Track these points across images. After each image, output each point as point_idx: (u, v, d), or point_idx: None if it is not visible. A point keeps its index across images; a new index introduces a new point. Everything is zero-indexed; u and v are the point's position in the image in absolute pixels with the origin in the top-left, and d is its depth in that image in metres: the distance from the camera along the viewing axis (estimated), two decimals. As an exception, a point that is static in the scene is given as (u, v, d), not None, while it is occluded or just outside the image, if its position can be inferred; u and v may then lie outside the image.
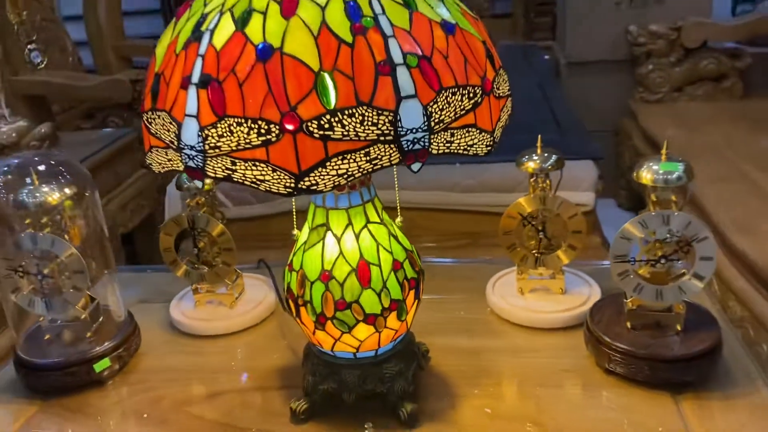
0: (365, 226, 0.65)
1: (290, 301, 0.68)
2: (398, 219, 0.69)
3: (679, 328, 0.73)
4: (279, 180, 0.50)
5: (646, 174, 0.68)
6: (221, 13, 0.52)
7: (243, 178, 0.51)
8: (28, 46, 1.72)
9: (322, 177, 0.50)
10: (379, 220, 0.66)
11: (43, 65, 2.04)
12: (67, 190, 0.75)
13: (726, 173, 1.63)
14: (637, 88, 2.32)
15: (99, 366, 0.78)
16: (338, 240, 0.64)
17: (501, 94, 0.58)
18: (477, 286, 0.93)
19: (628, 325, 0.74)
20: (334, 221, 0.65)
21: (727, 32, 2.24)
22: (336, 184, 0.51)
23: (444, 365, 0.78)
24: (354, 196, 0.64)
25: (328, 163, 0.50)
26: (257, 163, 0.50)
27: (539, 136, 0.83)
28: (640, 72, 2.28)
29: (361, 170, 0.50)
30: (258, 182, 0.51)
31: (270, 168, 0.50)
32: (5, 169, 0.77)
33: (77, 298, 0.78)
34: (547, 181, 0.83)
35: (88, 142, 1.82)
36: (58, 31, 2.51)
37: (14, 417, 0.76)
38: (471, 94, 0.53)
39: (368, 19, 0.50)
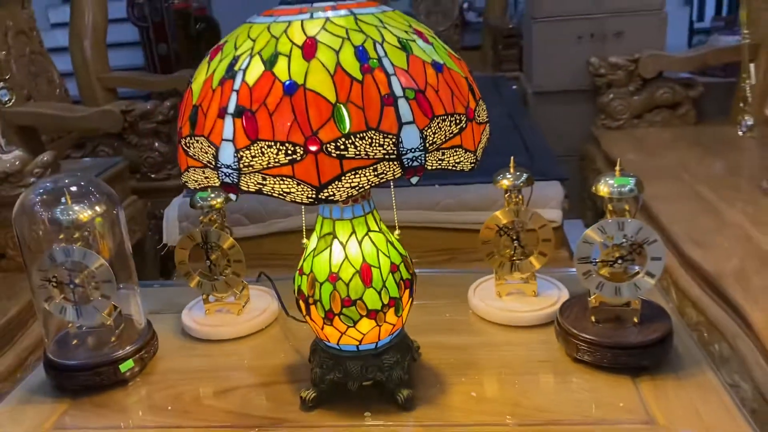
0: (366, 234, 0.75)
1: (301, 301, 0.78)
2: (396, 232, 0.79)
3: (636, 320, 0.85)
4: (302, 192, 0.61)
5: (603, 187, 0.81)
6: (251, 56, 0.63)
7: (272, 190, 0.62)
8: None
9: (338, 189, 0.61)
10: (378, 229, 0.77)
11: (10, 103, 2.12)
12: (97, 209, 0.85)
13: (681, 192, 1.77)
14: (599, 116, 2.47)
15: (124, 367, 0.87)
16: (344, 246, 0.75)
17: (481, 121, 0.70)
18: (459, 291, 1.04)
19: (593, 319, 0.86)
20: (339, 230, 0.75)
21: (680, 63, 2.42)
22: (349, 194, 0.61)
23: (433, 359, 0.88)
24: (357, 208, 0.75)
25: (343, 177, 0.60)
26: (284, 178, 0.61)
27: (512, 157, 0.95)
28: (601, 101, 2.44)
29: (369, 183, 0.61)
30: (284, 194, 0.62)
31: (295, 182, 0.61)
32: (41, 190, 0.86)
33: (105, 305, 0.87)
34: (520, 197, 0.94)
35: (82, 170, 1.89)
36: (46, 64, 2.59)
37: (48, 413, 0.84)
38: (457, 121, 0.65)
39: (374, 60, 0.61)
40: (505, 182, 0.93)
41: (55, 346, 0.90)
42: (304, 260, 0.78)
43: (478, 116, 0.69)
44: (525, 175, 0.94)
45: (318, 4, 0.65)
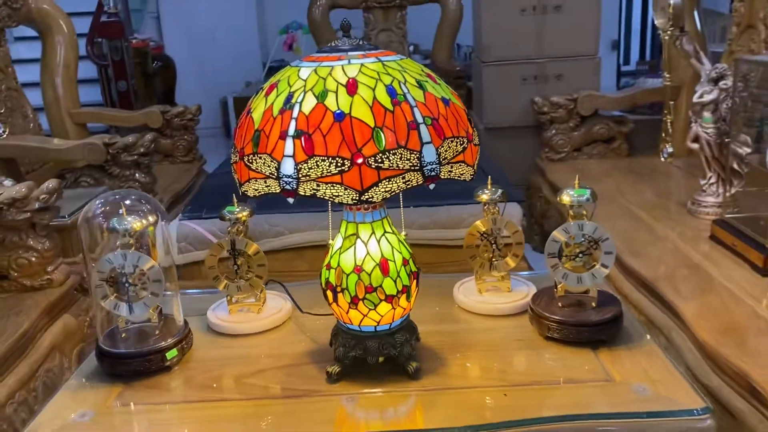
0: (383, 234, 0.94)
1: (328, 291, 0.95)
2: (403, 234, 0.98)
3: (594, 304, 1.05)
4: (348, 195, 0.79)
5: (566, 197, 1.02)
6: (305, 92, 0.81)
7: (324, 194, 0.80)
8: None
9: (375, 192, 0.79)
10: (391, 231, 0.95)
11: (5, 135, 2.22)
12: (150, 218, 1.00)
13: (619, 213, 2.03)
14: (543, 149, 2.73)
15: (170, 354, 1.02)
16: (365, 244, 0.93)
17: (476, 143, 0.90)
18: (445, 291, 1.23)
19: (560, 304, 1.06)
20: (361, 231, 0.93)
21: (613, 102, 2.72)
22: (384, 197, 0.80)
23: (431, 341, 1.06)
24: (375, 214, 0.93)
25: (380, 184, 0.79)
26: (334, 185, 0.79)
27: (489, 177, 1.16)
28: (545, 136, 2.70)
29: (399, 188, 0.80)
30: (334, 197, 0.80)
31: (343, 187, 0.79)
32: (101, 202, 1.01)
33: (154, 302, 1.02)
34: (496, 208, 1.15)
35: (71, 198, 1.99)
36: (21, 99, 2.68)
37: (106, 394, 0.97)
38: (461, 142, 0.85)
39: (401, 96, 0.81)
40: (484, 196, 1.14)
41: (105, 340, 1.03)
42: (330, 257, 0.95)
43: (474, 140, 0.89)
44: (500, 191, 1.14)
45: (352, 53, 0.84)
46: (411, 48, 5.64)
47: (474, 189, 1.15)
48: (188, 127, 2.98)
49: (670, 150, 1.95)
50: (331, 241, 0.97)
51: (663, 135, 2.02)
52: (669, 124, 1.99)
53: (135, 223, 0.99)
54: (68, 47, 2.85)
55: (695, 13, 2.56)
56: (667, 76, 2.01)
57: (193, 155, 3.01)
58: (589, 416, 0.87)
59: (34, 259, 1.64)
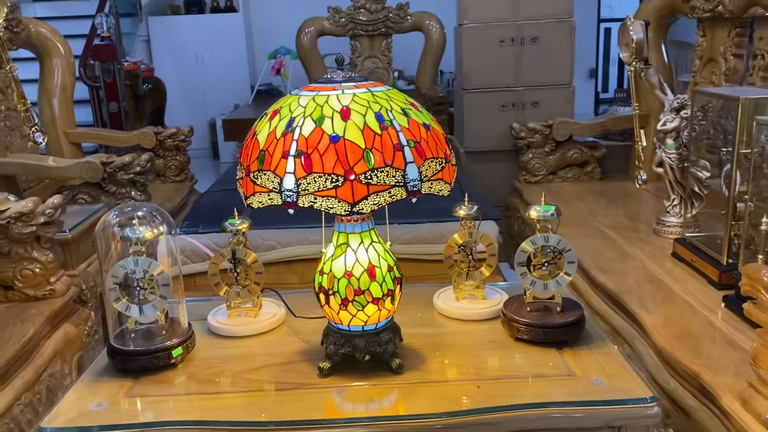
0: (371, 243, 1.05)
1: (321, 294, 1.06)
2: (388, 244, 1.10)
3: (558, 309, 1.17)
4: (341, 207, 0.91)
5: (533, 212, 1.14)
6: (304, 118, 0.93)
7: (320, 206, 0.91)
8: (33, 128, 2.00)
9: (365, 205, 0.91)
10: (378, 241, 1.07)
11: (44, 143, 2.31)
12: (161, 228, 1.11)
13: (591, 233, 2.16)
14: (521, 172, 2.87)
15: (176, 352, 1.12)
16: (355, 252, 1.04)
17: (453, 163, 1.02)
18: (426, 299, 1.34)
19: (528, 309, 1.18)
20: (351, 241, 1.05)
21: (586, 129, 2.87)
22: (372, 209, 0.92)
23: (412, 342, 1.17)
24: (364, 225, 1.05)
25: (369, 197, 0.91)
26: (329, 198, 0.91)
27: (466, 194, 1.28)
28: (522, 159, 2.84)
29: (385, 201, 0.92)
30: (329, 208, 0.91)
31: (337, 201, 0.91)
32: (116, 213, 1.12)
33: (162, 304, 1.12)
34: (472, 223, 1.27)
35: (70, 214, 2.09)
36: (20, 119, 2.77)
37: (118, 387, 1.07)
38: (440, 162, 0.97)
39: (388, 121, 0.93)
40: (462, 212, 1.26)
41: (116, 339, 1.13)
42: (323, 264, 1.07)
43: (451, 160, 1.01)
44: (476, 207, 1.27)
45: (345, 84, 0.97)
46: (396, 74, 5.82)
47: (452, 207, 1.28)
48: (180, 147, 3.08)
49: (644, 177, 2.10)
50: (323, 250, 1.08)
51: (636, 162, 2.16)
52: (641, 150, 2.14)
53: (146, 232, 1.10)
54: (65, 70, 2.97)
55: (662, 46, 2.73)
56: (636, 105, 2.16)
57: (185, 175, 3.11)
58: (553, 404, 0.99)
59: (38, 270, 1.73)
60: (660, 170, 2.09)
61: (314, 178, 0.90)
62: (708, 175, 1.89)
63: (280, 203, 0.93)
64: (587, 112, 6.99)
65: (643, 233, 2.14)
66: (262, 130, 0.96)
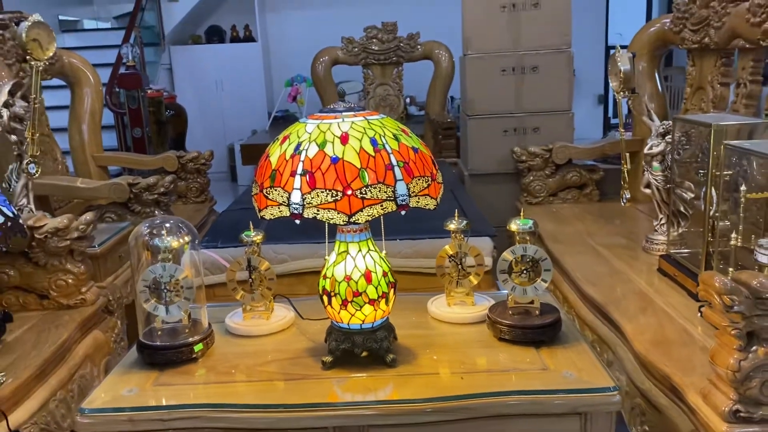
0: (368, 251, 1.20)
1: (324, 296, 1.21)
2: (384, 252, 1.25)
3: (537, 312, 1.31)
4: (340, 217, 1.06)
5: (513, 225, 1.29)
6: (309, 142, 1.09)
7: (322, 217, 1.07)
8: (29, 159, 2.13)
9: (360, 216, 1.06)
10: (374, 249, 1.22)
11: (37, 175, 2.50)
12: (187, 238, 1.27)
13: (584, 250, 2.29)
14: (522, 194, 3.01)
15: (197, 347, 1.27)
16: (354, 259, 1.19)
17: (439, 181, 1.17)
18: (421, 306, 1.48)
19: (510, 312, 1.32)
20: (351, 248, 1.20)
21: (585, 153, 3.01)
22: (367, 219, 1.07)
23: (406, 341, 1.32)
24: (362, 235, 1.20)
25: (363, 210, 1.06)
26: (330, 210, 1.06)
27: (456, 210, 1.43)
28: (524, 182, 2.98)
29: (378, 213, 1.07)
30: (329, 219, 1.07)
31: (336, 212, 1.06)
32: (147, 225, 1.28)
33: (186, 305, 1.28)
34: (461, 236, 1.42)
35: (98, 232, 2.26)
36: (52, 144, 2.98)
37: (146, 378, 1.22)
38: (427, 180, 1.12)
39: (380, 145, 1.09)
40: (452, 225, 1.41)
41: (145, 336, 1.29)
42: (326, 269, 1.22)
43: (438, 179, 1.17)
44: (464, 221, 1.42)
45: (346, 113, 1.13)
46: (407, 100, 6.01)
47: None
48: (201, 170, 3.27)
49: (628, 195, 2.24)
50: (326, 257, 1.23)
51: (622, 183, 2.31)
52: (626, 173, 2.29)
53: (173, 241, 1.26)
54: (94, 97, 3.17)
55: (656, 75, 2.88)
56: (622, 131, 2.30)
57: (205, 196, 3.29)
58: (526, 392, 1.12)
59: (70, 281, 1.90)
60: (648, 191, 2.22)
61: (317, 193, 1.06)
62: (692, 195, 2.02)
63: (288, 215, 1.09)
64: (596, 137, 7.13)
65: (632, 250, 2.27)
66: (274, 153, 1.12)
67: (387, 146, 1.09)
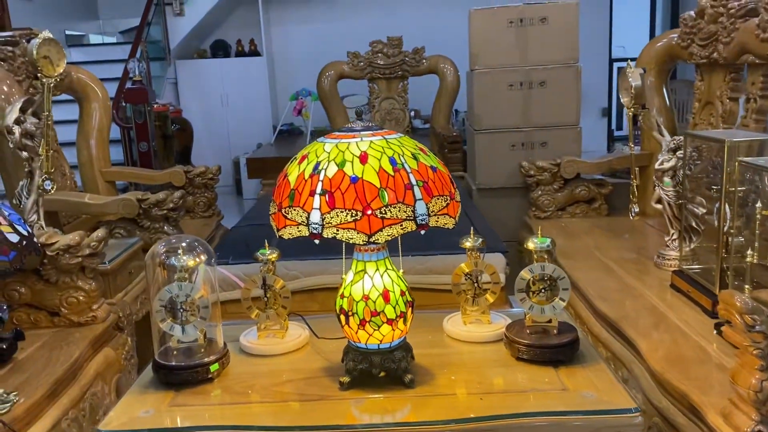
0: (386, 270, 1.20)
1: (341, 315, 1.20)
2: (401, 271, 1.24)
3: (555, 331, 1.30)
4: (360, 237, 1.06)
5: (530, 244, 1.28)
6: (328, 162, 1.09)
7: (342, 237, 1.06)
8: (45, 176, 2.15)
9: (380, 236, 1.06)
10: (392, 268, 1.21)
11: (53, 191, 2.50)
12: (203, 257, 1.27)
13: (594, 265, 2.28)
14: (531, 208, 3.01)
15: (213, 367, 1.26)
16: (371, 278, 1.19)
17: (458, 200, 1.17)
18: (436, 324, 1.48)
19: (528, 331, 1.31)
20: (368, 268, 1.19)
21: (592, 167, 3.01)
22: (386, 240, 1.06)
23: (423, 361, 1.31)
24: (379, 254, 1.20)
25: (383, 230, 1.06)
26: (350, 230, 1.06)
27: (471, 227, 1.43)
28: (532, 196, 2.98)
29: (397, 233, 1.07)
30: (349, 239, 1.06)
31: (356, 232, 1.06)
32: (164, 245, 1.28)
33: (202, 324, 1.27)
34: (477, 253, 1.41)
35: (108, 248, 2.25)
36: (60, 159, 2.98)
37: (163, 397, 1.22)
38: (445, 199, 1.12)
39: (400, 164, 1.08)
40: (468, 243, 1.40)
41: (161, 356, 1.28)
42: (344, 288, 1.21)
43: (456, 197, 1.16)
44: (480, 239, 1.41)
45: (364, 133, 1.13)
46: (412, 113, 6.03)
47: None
48: (209, 185, 3.27)
49: (636, 209, 2.24)
50: (343, 276, 1.23)
51: (631, 197, 2.31)
52: (635, 187, 2.28)
53: (189, 261, 1.26)
54: (102, 112, 3.18)
55: (664, 89, 2.89)
56: (632, 146, 2.31)
57: (212, 211, 3.29)
58: (546, 413, 1.11)
59: (82, 298, 1.89)
60: (659, 206, 2.22)
61: (337, 213, 1.06)
62: (704, 211, 2.02)
63: (307, 234, 1.08)
64: (600, 150, 7.14)
65: (643, 266, 2.26)
66: (293, 172, 1.12)
67: (406, 165, 1.09)
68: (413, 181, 1.08)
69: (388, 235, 1.06)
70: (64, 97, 3.20)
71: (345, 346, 1.26)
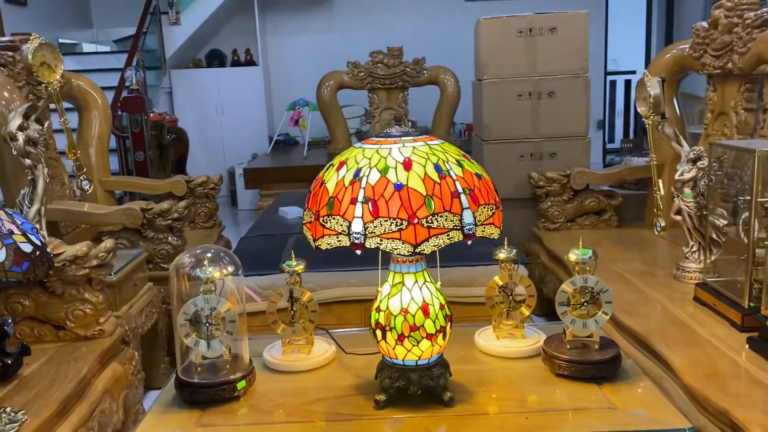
0: (424, 282, 1.14)
1: (378, 330, 1.14)
2: (438, 284, 1.18)
3: (596, 347, 1.25)
4: (405, 248, 1.00)
5: (572, 255, 1.23)
6: (370, 168, 1.03)
7: (386, 247, 1.00)
8: (81, 176, 2.11)
9: (426, 246, 1.00)
10: (430, 280, 1.16)
11: (90, 190, 2.43)
12: (230, 268, 1.20)
13: (611, 278, 2.24)
14: (540, 219, 2.97)
15: (240, 385, 1.20)
16: (410, 291, 1.13)
17: (501, 209, 1.12)
18: (466, 338, 1.42)
19: (568, 346, 1.26)
20: (407, 280, 1.14)
21: (602, 178, 2.98)
22: (432, 250, 1.01)
23: (459, 378, 1.25)
24: (418, 265, 1.14)
25: (429, 240, 1.00)
26: (394, 240, 1.00)
27: (506, 238, 1.37)
28: (541, 207, 2.94)
29: (444, 243, 1.01)
30: (393, 249, 1.00)
31: (401, 242, 1.00)
32: (188, 255, 1.21)
33: (228, 340, 1.20)
34: (512, 265, 1.36)
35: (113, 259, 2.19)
36: (59, 168, 2.90)
37: (188, 417, 1.15)
38: (491, 208, 1.07)
39: (445, 171, 1.03)
40: (502, 255, 1.35)
41: (184, 372, 1.21)
42: (379, 302, 1.15)
43: (500, 206, 1.11)
44: (515, 250, 1.36)
45: (405, 138, 1.07)
46: (410, 124, 6.00)
47: (485, 252, 1.37)
48: (210, 195, 3.20)
49: (663, 224, 2.20)
50: (379, 289, 1.17)
51: (655, 210, 2.26)
52: (659, 199, 2.24)
53: (215, 272, 1.19)
54: (102, 121, 3.11)
55: (674, 100, 2.86)
56: (654, 156, 2.27)
57: (213, 221, 3.22)
58: (597, 434, 1.06)
59: (88, 311, 1.82)
60: (678, 218, 2.18)
61: (380, 222, 1.00)
62: (726, 222, 1.98)
63: (348, 245, 1.03)
64: (596, 162, 7.14)
65: (661, 278, 2.22)
66: (330, 179, 1.07)
67: (452, 172, 1.04)
68: (459, 189, 1.03)
69: (434, 246, 1.01)
70: (62, 104, 3.13)
71: (379, 363, 1.20)
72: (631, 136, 8.28)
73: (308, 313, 1.33)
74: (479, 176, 1.08)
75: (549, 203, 2.93)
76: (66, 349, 1.78)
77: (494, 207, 1.08)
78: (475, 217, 1.03)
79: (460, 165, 1.06)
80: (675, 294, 2.03)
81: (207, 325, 1.19)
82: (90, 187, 2.08)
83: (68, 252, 1.79)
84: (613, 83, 8.17)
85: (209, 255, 1.21)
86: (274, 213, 2.86)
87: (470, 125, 6.43)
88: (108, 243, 1.86)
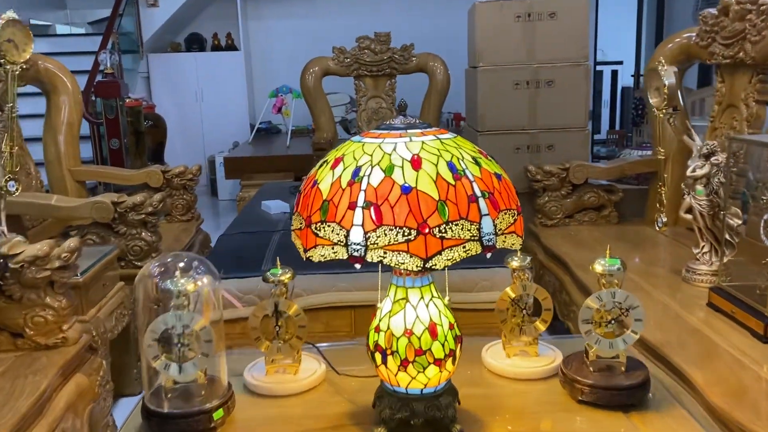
0: (431, 299, 0.99)
1: (377, 353, 0.99)
2: (447, 298, 1.03)
3: (623, 369, 1.11)
4: (413, 262, 0.84)
5: (598, 266, 1.09)
6: (371, 167, 0.87)
7: (390, 261, 0.85)
8: (8, 176, 1.89)
9: (438, 260, 0.85)
10: (438, 296, 1.00)
11: (17, 194, 2.24)
12: (205, 280, 1.04)
13: (617, 280, 2.10)
14: (537, 215, 2.83)
15: (216, 415, 1.03)
16: (415, 308, 0.97)
17: (521, 214, 0.96)
18: (473, 354, 1.26)
19: (591, 369, 1.11)
20: (411, 295, 0.98)
21: (603, 172, 2.84)
22: (446, 265, 0.85)
23: (467, 404, 1.10)
24: (424, 279, 0.98)
25: (443, 252, 0.85)
26: (400, 253, 0.84)
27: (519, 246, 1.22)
28: (538, 202, 2.80)
29: (459, 257, 0.86)
30: (399, 264, 0.85)
31: (408, 255, 0.84)
32: (157, 265, 1.04)
33: (204, 363, 1.04)
34: (526, 275, 1.21)
35: (80, 257, 2.00)
36: (25, 157, 2.70)
37: (155, 455, 0.98)
38: (513, 214, 0.91)
39: (460, 171, 0.87)
40: (515, 263, 1.20)
41: (151, 398, 1.05)
42: (380, 320, 0.99)
43: (521, 212, 0.96)
44: (528, 258, 1.21)
45: (412, 131, 0.91)
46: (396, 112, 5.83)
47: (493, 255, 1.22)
48: (187, 186, 3.02)
49: (665, 219, 2.07)
50: (379, 305, 1.01)
51: (658, 205, 2.13)
52: (663, 195, 2.10)
53: (188, 285, 1.03)
54: (72, 107, 2.91)
55: (678, 91, 2.72)
56: (661, 150, 2.13)
57: (192, 214, 3.04)
58: (632, 477, 0.91)
59: (50, 317, 1.64)
60: (688, 217, 2.04)
61: (385, 231, 0.84)
62: (740, 222, 1.85)
63: (345, 257, 0.87)
64: (583, 156, 7.02)
65: (669, 280, 2.09)
66: (324, 179, 0.90)
67: (468, 172, 0.88)
68: (477, 192, 0.87)
69: (447, 260, 0.85)
70: (29, 89, 2.92)
71: (378, 389, 1.04)
72: (617, 127, 8.19)
73: (296, 328, 1.17)
74: (499, 177, 0.92)
75: (546, 198, 2.79)
76: (24, 359, 1.60)
77: (516, 213, 0.92)
78: (495, 226, 0.88)
79: (477, 163, 0.90)
80: (686, 299, 1.90)
81: (179, 345, 1.02)
82: (16, 189, 1.88)
83: (27, 252, 1.61)
84: (599, 74, 8.05)
85: (181, 265, 1.04)
86: (256, 207, 2.68)
87: (458, 114, 6.28)
88: (72, 242, 1.68)
